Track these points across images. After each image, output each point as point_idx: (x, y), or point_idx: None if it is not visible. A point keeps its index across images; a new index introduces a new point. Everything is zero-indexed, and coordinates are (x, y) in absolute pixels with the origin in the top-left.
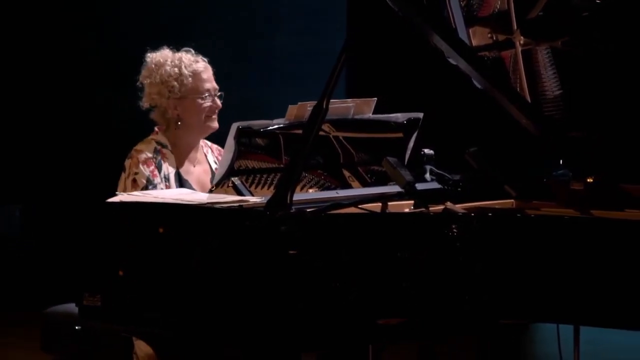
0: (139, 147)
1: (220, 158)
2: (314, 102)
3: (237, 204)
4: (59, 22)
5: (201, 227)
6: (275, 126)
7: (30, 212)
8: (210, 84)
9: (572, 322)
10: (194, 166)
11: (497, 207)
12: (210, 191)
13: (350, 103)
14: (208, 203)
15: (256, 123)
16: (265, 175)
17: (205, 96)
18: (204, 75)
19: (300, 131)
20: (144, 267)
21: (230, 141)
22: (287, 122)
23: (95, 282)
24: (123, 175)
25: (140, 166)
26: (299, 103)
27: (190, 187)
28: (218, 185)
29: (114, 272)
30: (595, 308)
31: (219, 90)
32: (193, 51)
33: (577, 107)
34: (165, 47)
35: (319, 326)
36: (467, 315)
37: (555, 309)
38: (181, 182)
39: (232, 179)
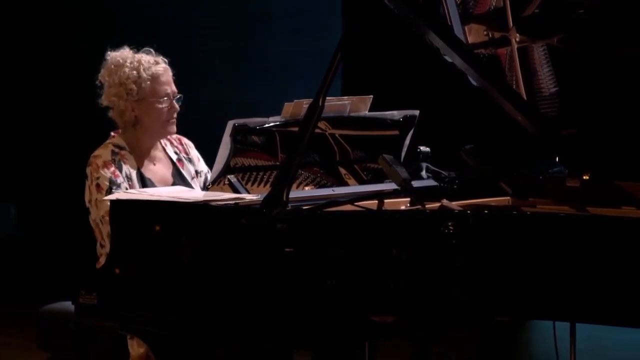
0: (96, 152)
1: (181, 147)
2: (309, 100)
3: (233, 202)
4: (56, 22)
5: (197, 224)
6: (271, 124)
7: (25, 211)
8: (169, 87)
9: (568, 319)
10: (154, 164)
11: (493, 204)
12: (206, 189)
13: (346, 101)
14: (204, 201)
15: (252, 121)
16: (261, 173)
17: (164, 99)
18: (163, 79)
19: (296, 129)
20: (140, 265)
21: (226, 139)
22: (283, 119)
23: (91, 280)
24: (87, 183)
25: (100, 170)
26: (295, 101)
27: (153, 185)
28: (214, 182)
29: (111, 270)
30: (591, 305)
31: (178, 94)
32: (153, 52)
33: (573, 104)
34: (125, 46)
35: (314, 324)
36: (463, 312)
37: (551, 306)
38: (143, 181)
39: (228, 176)
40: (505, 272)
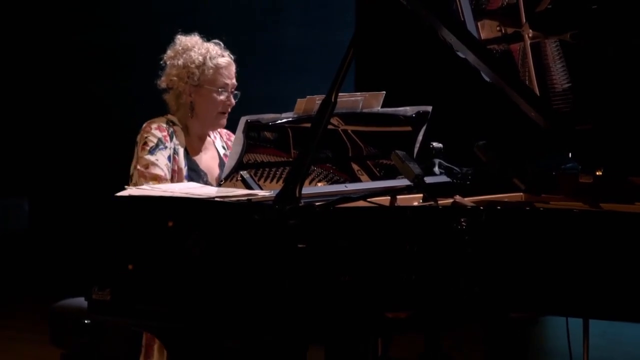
0: (151, 120)
1: (230, 142)
2: (322, 96)
3: (246, 198)
4: (58, 20)
5: (210, 220)
6: (284, 120)
7: (38, 206)
8: (230, 80)
9: (581, 315)
10: (202, 151)
11: (506, 200)
12: (219, 184)
13: (359, 97)
14: (217, 197)
15: (265, 117)
16: (274, 169)
17: (221, 91)
18: (225, 71)
19: (309, 125)
20: (153, 261)
21: (239, 135)
22: (295, 115)
23: (104, 277)
24: (136, 150)
25: (153, 130)
26: (308, 97)
27: (198, 168)
28: (227, 178)
29: (124, 266)
30: (604, 301)
31: (237, 89)
32: (222, 44)
33: (586, 100)
34: (196, 33)
35: (327, 319)
36: (476, 307)
37: (564, 302)
38: (189, 161)
39: (241, 172)
40: (518, 268)
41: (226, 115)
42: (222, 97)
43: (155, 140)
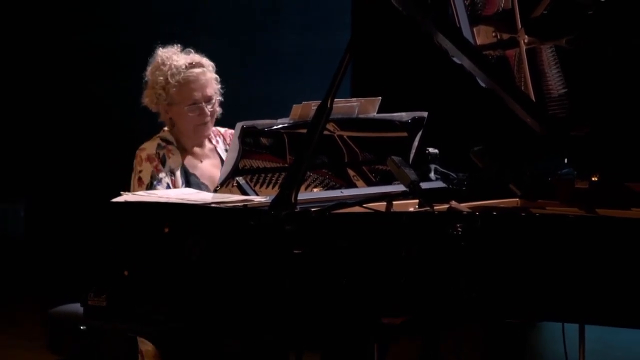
0: (142, 146)
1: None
2: (318, 102)
3: (242, 204)
4: (57, 20)
5: (206, 226)
6: (280, 125)
7: (34, 212)
8: (200, 92)
9: (577, 321)
10: (201, 162)
11: (501, 206)
12: (215, 190)
13: (354, 102)
14: (213, 202)
15: (261, 122)
16: (269, 175)
17: (191, 106)
18: (193, 85)
19: (304, 130)
20: (149, 267)
21: (234, 141)
22: (291, 121)
23: (100, 282)
24: (132, 176)
25: (144, 163)
26: (303, 102)
27: (197, 181)
28: (223, 184)
29: (119, 272)
30: (600, 307)
31: (222, 87)
32: (193, 52)
33: (581, 105)
34: (175, 45)
35: (323, 325)
36: (472, 313)
37: (560, 308)
38: (187, 177)
39: (237, 178)
40: (514, 274)
41: (207, 125)
42: (193, 114)
43: (148, 178)
